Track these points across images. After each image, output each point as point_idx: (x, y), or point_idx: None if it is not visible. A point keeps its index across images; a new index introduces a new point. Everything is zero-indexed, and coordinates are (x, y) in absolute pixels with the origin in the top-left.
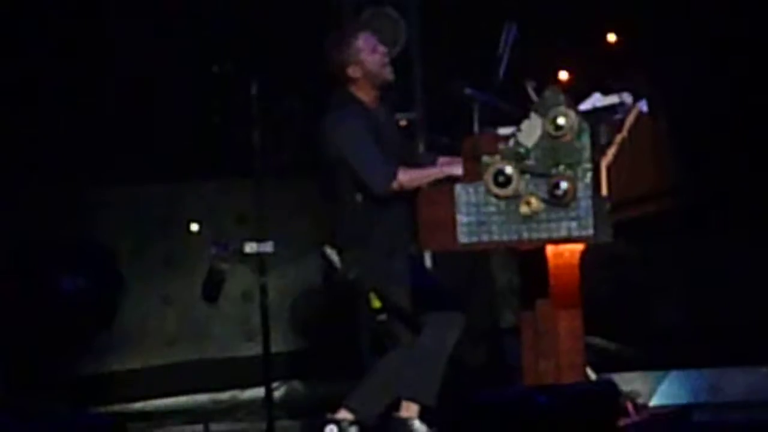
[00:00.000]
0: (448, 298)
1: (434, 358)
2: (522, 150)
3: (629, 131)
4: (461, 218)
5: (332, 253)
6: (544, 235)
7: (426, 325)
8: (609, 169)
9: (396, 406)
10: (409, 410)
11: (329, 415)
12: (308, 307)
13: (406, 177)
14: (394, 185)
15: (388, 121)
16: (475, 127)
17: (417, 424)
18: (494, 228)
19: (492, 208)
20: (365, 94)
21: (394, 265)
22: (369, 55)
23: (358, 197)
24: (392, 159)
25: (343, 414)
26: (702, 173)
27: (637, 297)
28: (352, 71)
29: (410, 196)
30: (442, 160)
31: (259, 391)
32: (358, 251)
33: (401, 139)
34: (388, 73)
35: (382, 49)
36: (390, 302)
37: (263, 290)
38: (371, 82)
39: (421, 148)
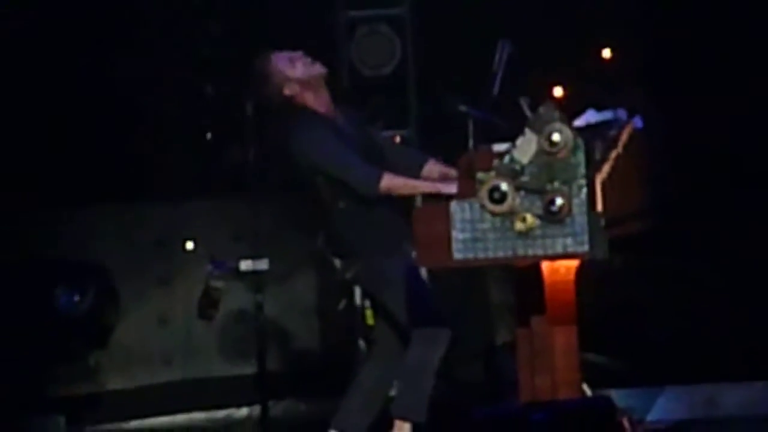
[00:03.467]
0: (437, 309)
1: (421, 376)
2: (517, 166)
3: (624, 147)
4: (456, 235)
5: (329, 255)
6: (540, 252)
7: (413, 341)
8: (604, 185)
9: (389, 425)
10: (402, 429)
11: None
12: (304, 325)
13: (393, 182)
14: (381, 185)
15: (348, 122)
16: (470, 144)
17: None
18: (490, 244)
19: (487, 225)
20: (315, 103)
21: (390, 269)
22: (290, 69)
23: (341, 204)
24: (363, 158)
25: (399, 426)
26: (693, 190)
27: (633, 313)
28: (290, 90)
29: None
30: (431, 166)
31: (255, 410)
32: (353, 257)
33: (367, 136)
34: (316, 68)
35: (295, 54)
36: (383, 308)
37: (259, 308)
38: (312, 88)
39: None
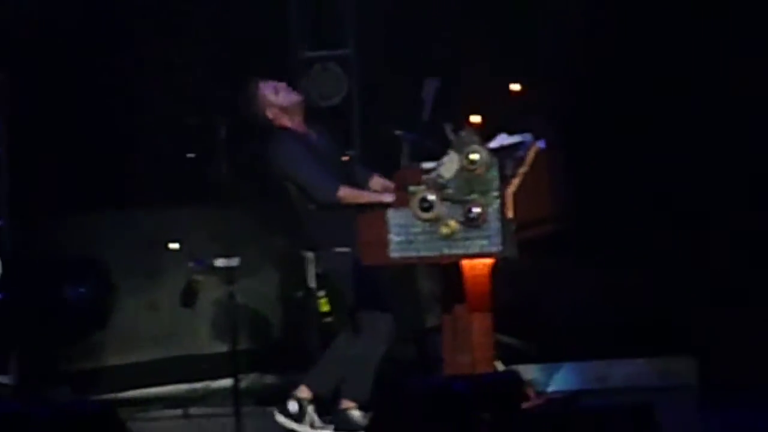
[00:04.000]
0: (386, 302)
1: (368, 363)
2: (442, 181)
3: (530, 165)
4: (392, 237)
5: (301, 250)
6: (461, 251)
7: (363, 330)
8: (514, 196)
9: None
10: (348, 403)
11: (292, 393)
12: (269, 311)
13: (347, 193)
14: (338, 196)
15: (320, 138)
16: (404, 162)
17: (356, 413)
18: (420, 246)
19: (418, 229)
20: (290, 123)
21: (353, 262)
22: (274, 96)
23: (311, 206)
24: (331, 170)
25: (303, 391)
26: (587, 200)
27: (538, 302)
28: (271, 113)
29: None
30: (376, 181)
31: (227, 382)
32: (322, 251)
33: (337, 150)
34: (295, 96)
35: (280, 84)
36: (340, 298)
37: (231, 297)
38: (289, 113)
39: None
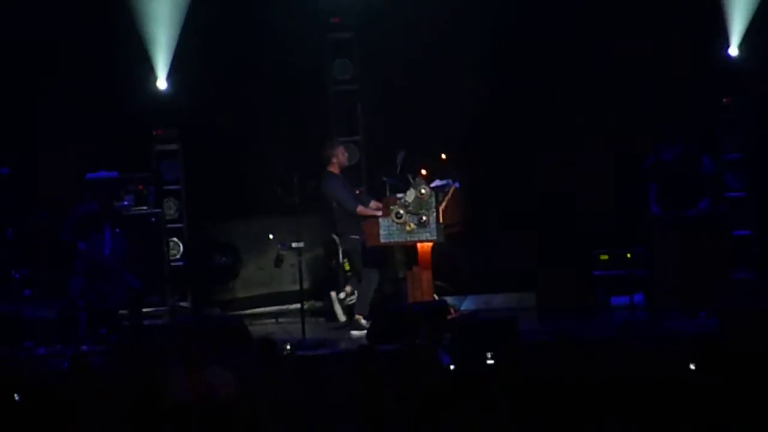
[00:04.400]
0: (375, 262)
1: (366, 294)
2: (407, 203)
3: (451, 195)
4: (382, 231)
5: (336, 237)
6: (416, 239)
7: (364, 277)
8: (443, 211)
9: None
10: (359, 318)
11: (355, 319)
12: (318, 271)
13: (361, 210)
14: (357, 211)
15: (346, 180)
16: (388, 193)
17: (363, 321)
18: (395, 236)
19: (394, 227)
20: (337, 171)
21: (359, 243)
22: (341, 155)
23: (344, 214)
24: (353, 197)
25: (357, 316)
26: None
27: (451, 261)
28: (334, 160)
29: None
30: (373, 203)
31: (297, 305)
32: (345, 236)
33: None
34: (346, 162)
35: (346, 152)
36: (354, 262)
37: (300, 263)
38: (340, 166)
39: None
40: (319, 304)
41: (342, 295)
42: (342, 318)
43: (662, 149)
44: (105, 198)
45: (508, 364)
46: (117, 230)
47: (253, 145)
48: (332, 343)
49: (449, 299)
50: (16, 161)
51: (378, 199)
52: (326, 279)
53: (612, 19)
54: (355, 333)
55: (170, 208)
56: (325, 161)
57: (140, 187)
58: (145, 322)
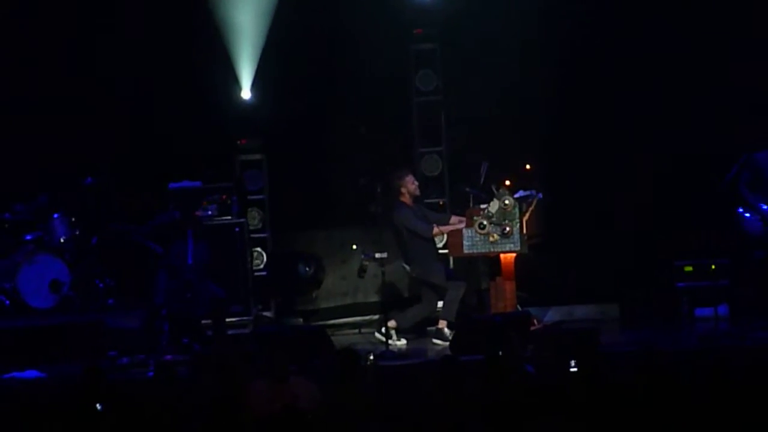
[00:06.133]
0: (457, 277)
1: (454, 301)
2: (490, 214)
3: (534, 205)
4: (465, 242)
5: (405, 264)
6: (500, 250)
7: (452, 286)
8: (526, 222)
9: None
10: (442, 324)
11: (437, 327)
12: (400, 279)
13: (436, 230)
14: (435, 231)
15: (418, 208)
16: (471, 204)
17: (446, 330)
18: (479, 246)
19: (477, 238)
20: (407, 200)
21: (434, 267)
22: (411, 185)
23: (417, 241)
24: (426, 221)
25: (441, 323)
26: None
27: (538, 274)
28: (403, 190)
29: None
30: (453, 218)
31: (380, 315)
32: (415, 265)
33: (427, 212)
34: (416, 192)
35: (416, 183)
36: (429, 283)
37: (383, 273)
38: (410, 196)
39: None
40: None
41: (383, 330)
42: (381, 339)
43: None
44: (187, 207)
45: (590, 374)
46: (200, 240)
47: (337, 155)
48: (415, 353)
49: (532, 310)
50: (100, 170)
51: (459, 212)
52: (406, 291)
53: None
54: (437, 342)
55: (254, 218)
56: (395, 191)
57: (224, 197)
58: (229, 332)
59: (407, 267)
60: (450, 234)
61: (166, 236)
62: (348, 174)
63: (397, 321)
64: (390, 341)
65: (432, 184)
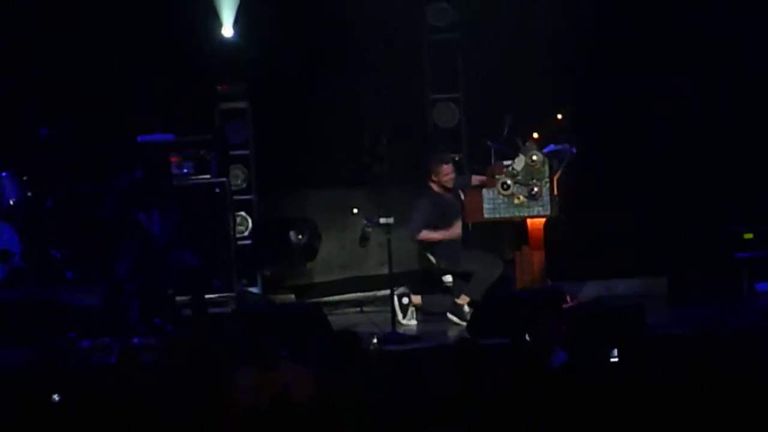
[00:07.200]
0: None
1: (486, 280)
2: (515, 172)
3: (567, 162)
4: (485, 205)
5: (431, 257)
6: (526, 214)
7: (484, 263)
8: (557, 181)
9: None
10: (463, 300)
11: (455, 301)
12: (409, 249)
13: (423, 236)
14: (417, 237)
15: (451, 199)
16: (493, 161)
17: (466, 307)
18: (502, 210)
19: (500, 201)
20: (436, 188)
21: (462, 255)
22: (445, 176)
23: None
24: (445, 220)
25: (463, 298)
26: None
27: (571, 242)
28: (435, 178)
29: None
30: (474, 178)
31: (386, 292)
32: (438, 254)
33: (456, 205)
34: (448, 184)
35: (452, 175)
36: (460, 273)
37: (389, 241)
38: (443, 185)
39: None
40: (408, 289)
41: (405, 300)
42: (399, 317)
43: None
44: (158, 164)
45: (634, 361)
46: (173, 202)
47: (335, 104)
48: (427, 336)
49: (565, 285)
50: (58, 120)
51: (478, 170)
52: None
53: None
54: (452, 318)
55: (237, 177)
56: (425, 173)
57: (202, 152)
58: (209, 311)
59: (432, 258)
60: (468, 196)
61: (129, 199)
62: (348, 125)
63: (468, 293)
64: (401, 319)
65: (448, 138)
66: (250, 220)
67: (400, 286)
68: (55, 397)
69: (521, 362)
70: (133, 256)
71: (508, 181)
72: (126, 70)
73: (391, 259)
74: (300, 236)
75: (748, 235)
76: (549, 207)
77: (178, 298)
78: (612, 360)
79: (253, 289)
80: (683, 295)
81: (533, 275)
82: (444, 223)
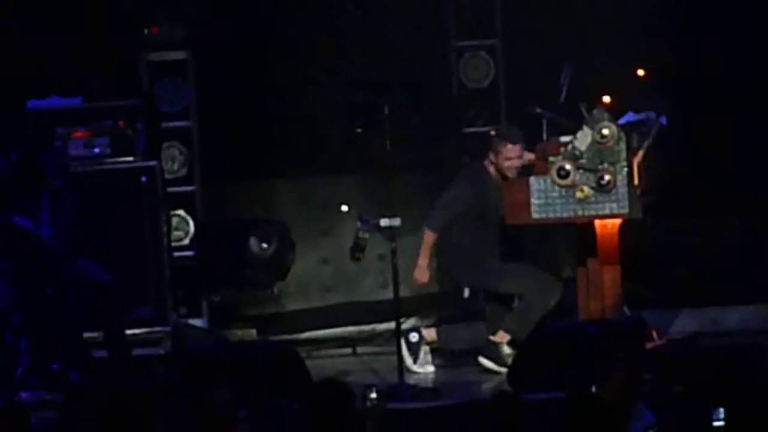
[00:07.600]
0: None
1: (533, 311)
2: (577, 152)
3: (654, 139)
4: (534, 201)
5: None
6: (593, 213)
7: (537, 284)
8: (639, 166)
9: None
10: (502, 337)
11: (491, 339)
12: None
13: (427, 237)
14: (426, 232)
15: (498, 197)
16: (544, 136)
17: (505, 346)
18: (557, 208)
19: (555, 194)
20: (491, 170)
21: (493, 267)
22: (506, 160)
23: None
24: (488, 223)
25: (501, 336)
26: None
27: (660, 255)
28: (492, 155)
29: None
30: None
31: (390, 325)
32: (460, 267)
33: (496, 211)
34: (508, 172)
35: (516, 162)
36: (495, 294)
37: (393, 253)
38: (497, 170)
39: None
40: (426, 322)
41: (413, 337)
42: (409, 362)
43: None
44: (38, 142)
45: (750, 425)
46: (69, 197)
47: (314, 54)
48: (448, 388)
49: (650, 315)
50: None
51: (525, 148)
52: (438, 283)
53: None
54: (485, 363)
55: (173, 159)
56: (484, 148)
57: (121, 123)
58: (131, 352)
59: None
60: (508, 187)
61: (8, 193)
62: (333, 84)
63: (507, 329)
64: (412, 365)
65: (478, 100)
66: (191, 222)
67: (410, 317)
68: None
69: (586, 426)
70: (15, 276)
71: (567, 166)
72: (22, 11)
73: (398, 278)
74: (264, 245)
75: None
76: (627, 203)
77: (86, 335)
78: (716, 424)
79: (197, 322)
80: None
81: (604, 300)
82: (479, 228)
